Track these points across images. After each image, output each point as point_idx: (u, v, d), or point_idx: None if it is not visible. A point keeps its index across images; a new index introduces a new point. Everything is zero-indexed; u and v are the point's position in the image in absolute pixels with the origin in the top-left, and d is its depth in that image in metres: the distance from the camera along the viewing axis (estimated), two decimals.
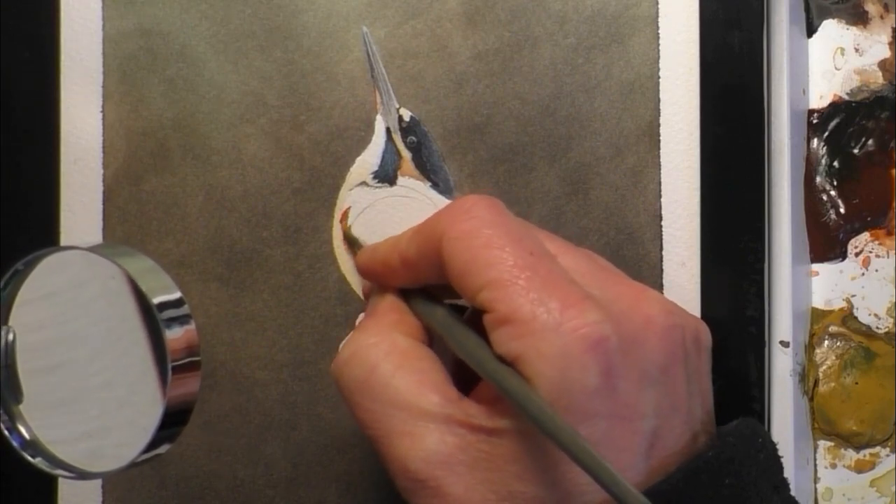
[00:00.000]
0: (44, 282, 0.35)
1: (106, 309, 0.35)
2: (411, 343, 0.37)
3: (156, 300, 0.34)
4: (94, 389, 0.35)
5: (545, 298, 0.33)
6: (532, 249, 0.35)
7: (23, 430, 0.35)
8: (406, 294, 0.39)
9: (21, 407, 0.35)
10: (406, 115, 0.44)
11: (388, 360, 0.36)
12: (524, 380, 0.33)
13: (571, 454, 0.31)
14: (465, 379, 0.36)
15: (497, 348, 0.34)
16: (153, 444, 0.34)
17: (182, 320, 0.34)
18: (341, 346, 0.43)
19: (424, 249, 0.36)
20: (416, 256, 0.37)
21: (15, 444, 0.35)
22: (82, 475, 0.35)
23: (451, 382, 0.36)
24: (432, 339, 0.38)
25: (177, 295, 0.35)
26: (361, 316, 0.44)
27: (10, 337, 0.35)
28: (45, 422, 0.35)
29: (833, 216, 0.46)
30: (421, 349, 0.37)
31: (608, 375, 0.33)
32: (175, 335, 0.34)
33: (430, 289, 0.38)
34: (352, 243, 0.44)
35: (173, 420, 0.34)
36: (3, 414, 0.35)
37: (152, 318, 0.34)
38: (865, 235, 0.46)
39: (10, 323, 0.35)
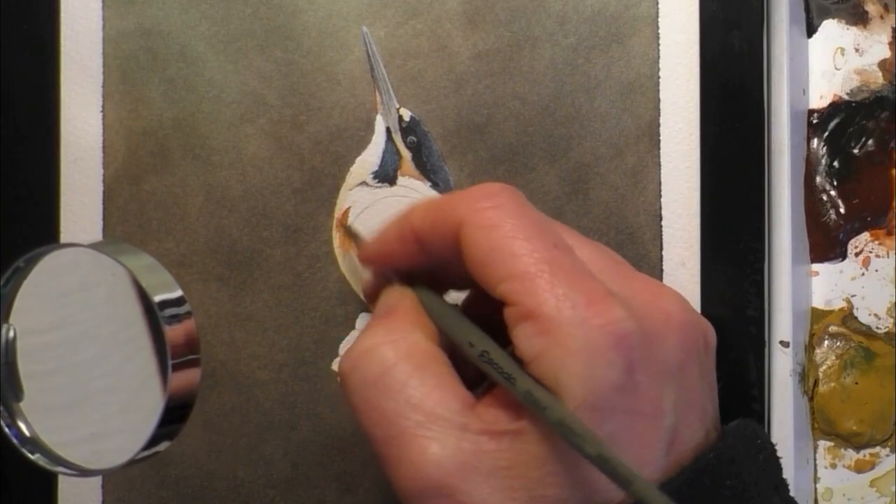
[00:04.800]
0: (45, 279, 0.35)
1: (106, 306, 0.35)
2: (431, 346, 0.35)
3: (157, 298, 0.34)
4: (94, 387, 0.35)
5: (570, 294, 0.33)
6: (555, 242, 0.34)
7: (23, 427, 0.35)
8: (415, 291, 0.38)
9: (21, 404, 0.35)
10: (406, 115, 0.44)
11: (407, 359, 0.34)
12: (544, 386, 0.33)
13: (592, 458, 0.31)
14: (467, 381, 0.36)
15: (519, 343, 0.33)
16: (153, 442, 0.34)
17: (182, 317, 0.34)
18: (344, 343, 0.44)
19: (440, 228, 0.35)
20: (429, 233, 0.36)
21: (15, 441, 0.35)
22: (82, 472, 0.35)
23: (465, 389, 0.35)
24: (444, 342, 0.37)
25: (177, 292, 0.35)
26: (362, 316, 0.44)
27: (11, 335, 0.35)
28: (45, 419, 0.35)
29: (833, 216, 0.46)
30: (439, 353, 0.35)
31: (631, 371, 0.33)
32: (175, 332, 0.34)
33: (433, 280, 0.38)
34: (352, 236, 0.43)
35: (173, 417, 0.34)
36: (3, 411, 0.35)
37: (153, 315, 0.34)
38: (865, 235, 0.46)
39: (11, 321, 0.35)
